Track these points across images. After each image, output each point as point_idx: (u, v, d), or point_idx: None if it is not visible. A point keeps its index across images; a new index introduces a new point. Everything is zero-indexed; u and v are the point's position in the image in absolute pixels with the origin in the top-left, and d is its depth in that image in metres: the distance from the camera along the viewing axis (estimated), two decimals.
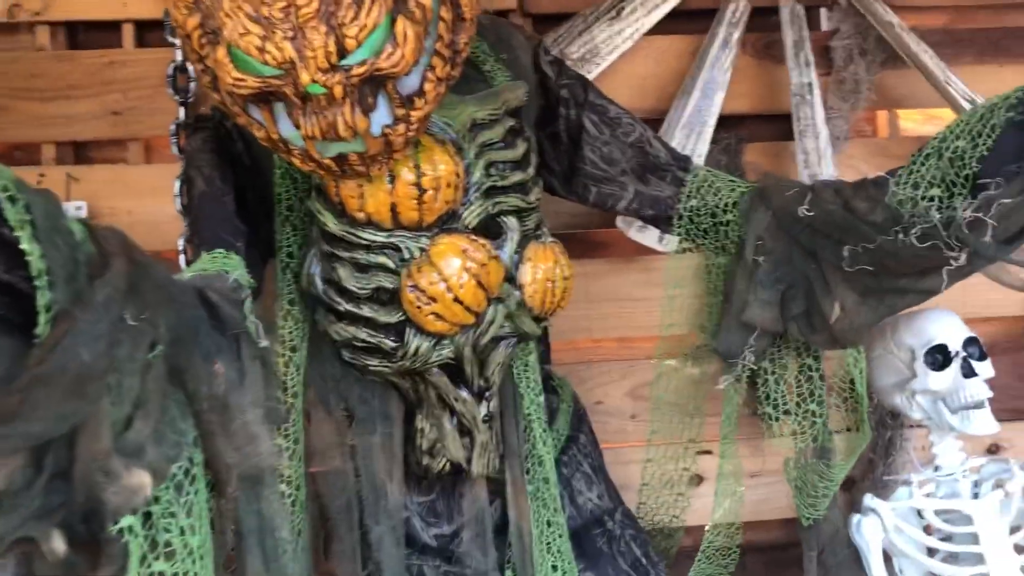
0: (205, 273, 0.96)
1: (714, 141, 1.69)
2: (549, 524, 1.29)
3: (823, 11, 1.78)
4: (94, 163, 1.67)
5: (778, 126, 1.73)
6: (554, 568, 1.28)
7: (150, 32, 1.67)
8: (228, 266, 1.01)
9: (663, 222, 1.33)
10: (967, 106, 1.65)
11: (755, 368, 1.28)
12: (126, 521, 0.73)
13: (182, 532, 0.78)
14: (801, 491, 1.39)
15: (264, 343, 0.92)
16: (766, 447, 1.55)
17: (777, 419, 1.32)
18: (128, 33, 1.66)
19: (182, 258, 1.58)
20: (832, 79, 1.75)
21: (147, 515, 0.75)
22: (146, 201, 1.62)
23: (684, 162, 1.33)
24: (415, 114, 1.01)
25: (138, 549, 0.74)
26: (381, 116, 0.98)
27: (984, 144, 1.08)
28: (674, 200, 1.30)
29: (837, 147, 1.73)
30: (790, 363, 1.31)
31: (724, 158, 1.75)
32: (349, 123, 0.96)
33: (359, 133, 0.97)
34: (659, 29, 1.68)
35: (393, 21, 0.93)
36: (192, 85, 1.60)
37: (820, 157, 1.66)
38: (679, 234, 1.31)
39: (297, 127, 0.97)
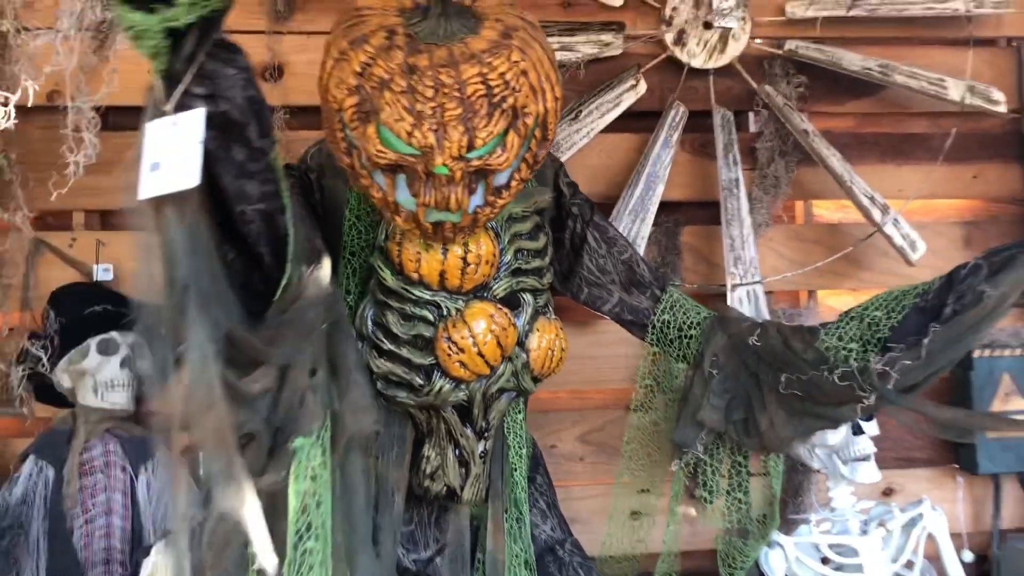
0: None
1: (656, 224, 1.99)
2: (517, 556, 1.55)
3: (751, 115, 2.09)
4: (119, 230, 1.91)
5: (711, 212, 2.02)
6: None
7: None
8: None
9: (637, 328, 1.60)
10: (866, 202, 1.97)
11: (697, 459, 1.56)
12: (299, 441, 1.03)
13: (320, 464, 1.07)
14: (724, 562, 1.67)
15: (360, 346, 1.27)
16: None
17: (711, 502, 1.60)
18: None
19: None
20: (756, 174, 2.06)
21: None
22: None
23: (662, 283, 1.61)
24: (499, 202, 1.31)
25: (301, 465, 1.03)
26: (477, 199, 1.28)
27: (895, 318, 1.41)
28: (650, 312, 1.58)
29: (759, 232, 2.03)
30: (725, 459, 1.58)
31: (664, 239, 2.04)
32: (458, 199, 1.25)
33: (461, 208, 1.26)
34: (610, 128, 1.98)
35: (507, 132, 1.24)
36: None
37: (744, 242, 1.97)
38: (651, 341, 1.59)
39: (415, 196, 1.26)
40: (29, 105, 1.61)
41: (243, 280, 1.03)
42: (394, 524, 1.47)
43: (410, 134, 1.20)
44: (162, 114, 0.90)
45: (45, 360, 1.66)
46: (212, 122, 0.93)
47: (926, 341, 1.32)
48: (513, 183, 1.31)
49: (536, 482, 1.69)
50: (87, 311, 1.74)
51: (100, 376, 1.73)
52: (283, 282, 0.99)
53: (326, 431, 1.08)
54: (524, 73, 1.24)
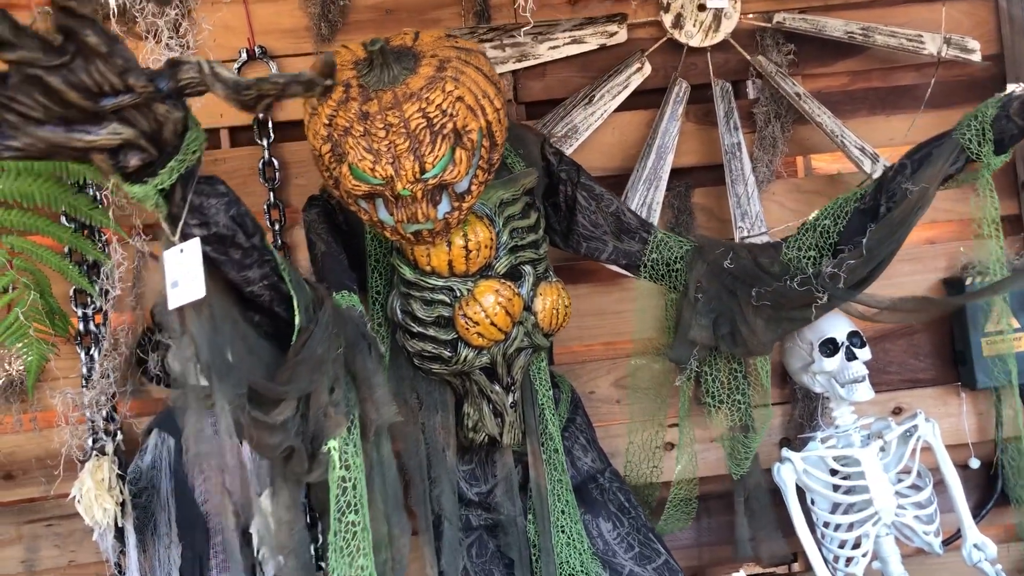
0: (344, 307, 1.54)
1: (668, 189, 2.23)
2: (559, 481, 1.81)
3: (748, 83, 2.30)
4: None
5: (717, 174, 2.24)
6: (562, 512, 1.81)
7: (241, 134, 2.21)
8: (353, 302, 1.59)
9: (633, 269, 1.86)
10: (858, 153, 2.18)
11: (699, 371, 1.82)
12: (330, 443, 1.35)
13: (352, 455, 1.38)
14: (731, 455, 1.94)
15: (383, 349, 1.50)
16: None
17: (715, 406, 1.86)
18: (224, 136, 2.21)
19: None
20: (756, 136, 2.27)
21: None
22: None
23: (648, 227, 1.85)
24: (465, 205, 1.56)
25: (335, 461, 1.34)
26: (443, 207, 1.53)
27: (841, 223, 1.63)
28: (640, 254, 1.83)
29: (762, 188, 2.26)
30: (722, 367, 1.84)
31: (676, 202, 2.28)
32: (424, 213, 1.51)
33: (430, 219, 1.52)
34: (621, 107, 2.21)
35: (454, 150, 1.49)
36: (277, 174, 2.15)
37: (749, 198, 2.20)
38: (645, 277, 1.84)
39: (391, 214, 1.53)
40: None
41: (273, 331, 1.35)
42: (449, 474, 1.75)
43: (372, 169, 1.45)
44: (172, 245, 1.21)
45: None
46: (209, 240, 1.23)
47: (864, 240, 1.54)
48: (474, 187, 1.54)
49: (576, 422, 1.95)
50: None
51: None
52: (296, 330, 1.31)
53: (355, 428, 1.39)
54: (460, 99, 1.47)
